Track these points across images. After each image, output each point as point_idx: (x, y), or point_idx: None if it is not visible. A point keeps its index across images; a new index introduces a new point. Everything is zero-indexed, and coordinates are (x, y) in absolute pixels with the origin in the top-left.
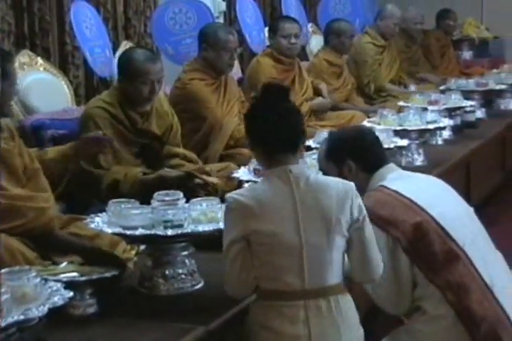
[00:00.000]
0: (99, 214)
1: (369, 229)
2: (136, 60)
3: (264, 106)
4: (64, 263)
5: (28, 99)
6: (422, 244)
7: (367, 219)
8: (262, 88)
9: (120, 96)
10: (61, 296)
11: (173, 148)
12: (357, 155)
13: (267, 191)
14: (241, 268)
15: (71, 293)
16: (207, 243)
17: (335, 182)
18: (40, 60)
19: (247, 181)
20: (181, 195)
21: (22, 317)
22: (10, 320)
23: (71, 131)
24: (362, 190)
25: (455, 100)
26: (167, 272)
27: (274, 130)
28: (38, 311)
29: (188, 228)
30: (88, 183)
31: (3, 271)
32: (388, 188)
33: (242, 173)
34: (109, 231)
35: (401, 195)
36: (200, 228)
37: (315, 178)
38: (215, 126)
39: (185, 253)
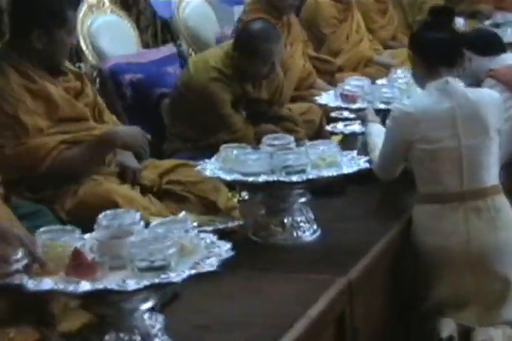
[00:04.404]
0: (207, 161)
1: None
2: (258, 38)
3: (434, 26)
4: (182, 213)
5: (98, 42)
6: None
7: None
8: (430, 10)
9: (235, 68)
10: (222, 248)
11: (279, 109)
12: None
13: (427, 100)
14: (398, 160)
15: (229, 245)
16: (322, 189)
17: (487, 93)
18: (106, 2)
19: (336, 108)
20: (292, 138)
21: (193, 271)
22: (183, 274)
23: (147, 75)
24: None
25: None
26: (285, 220)
27: (440, 46)
28: (208, 265)
29: (312, 173)
30: None
31: (155, 222)
32: None
33: (328, 99)
34: (228, 178)
35: None
36: (324, 173)
37: (469, 89)
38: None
39: (303, 200)
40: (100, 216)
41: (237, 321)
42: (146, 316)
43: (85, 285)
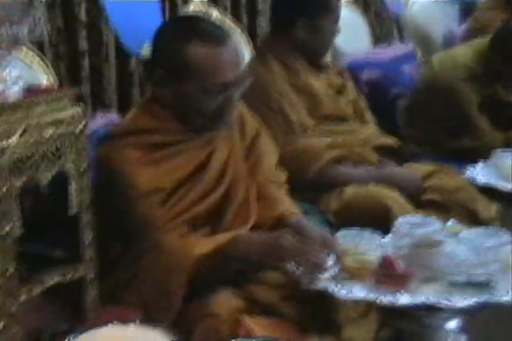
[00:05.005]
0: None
1: None
2: None
3: None
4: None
5: None
6: None
7: None
8: None
9: (487, 67)
10: None
11: None
12: None
13: None
14: None
15: None
16: None
17: None
18: None
19: None
20: None
21: None
22: None
23: (385, 74)
24: None
25: None
26: None
27: None
28: None
29: None
30: None
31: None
32: None
33: None
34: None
35: None
36: None
37: None
38: None
39: None
40: (398, 222)
41: None
42: (449, 336)
43: (404, 298)
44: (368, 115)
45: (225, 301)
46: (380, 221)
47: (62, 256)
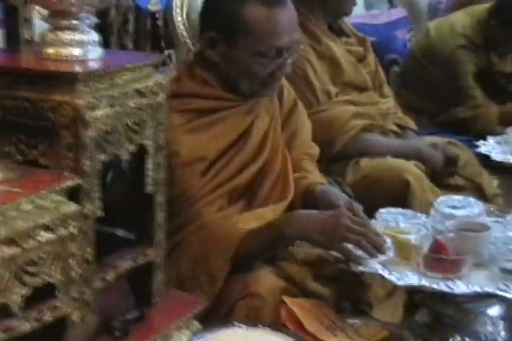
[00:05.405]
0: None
1: None
2: None
3: None
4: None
5: None
6: None
7: None
8: None
9: (486, 36)
10: None
11: None
12: None
13: None
14: None
15: None
16: None
17: None
18: None
19: None
20: None
21: None
22: None
23: (379, 39)
24: None
25: None
26: None
27: None
28: None
29: None
30: None
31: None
32: None
33: None
34: None
35: None
36: None
37: None
38: None
39: None
40: (436, 202)
41: None
42: (488, 321)
43: (461, 287)
44: (387, 89)
45: (266, 280)
46: (399, 195)
47: (128, 237)
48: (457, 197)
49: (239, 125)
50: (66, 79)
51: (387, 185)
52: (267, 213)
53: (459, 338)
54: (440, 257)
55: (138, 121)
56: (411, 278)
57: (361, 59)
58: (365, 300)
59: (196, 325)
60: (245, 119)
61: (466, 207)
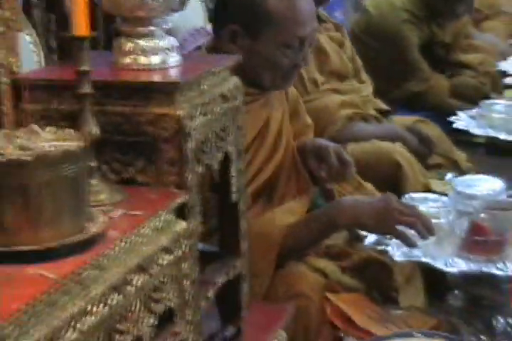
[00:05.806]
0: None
1: None
2: None
3: None
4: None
5: None
6: None
7: None
8: None
9: (427, 8)
10: None
11: (459, 55)
12: None
13: None
14: None
15: None
16: None
17: None
18: None
19: None
20: None
21: None
22: None
23: None
24: None
25: None
26: None
27: None
28: None
29: None
30: None
31: None
32: None
33: None
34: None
35: None
36: None
37: None
38: None
39: None
40: (454, 183)
41: None
42: None
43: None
44: (364, 75)
45: (307, 278)
46: (390, 177)
47: (213, 250)
48: (473, 177)
49: (259, 119)
50: (164, 90)
51: (378, 169)
52: (297, 206)
53: (501, 320)
54: (483, 239)
55: (223, 127)
56: (459, 264)
57: (341, 45)
58: (392, 286)
59: (282, 334)
60: (263, 113)
61: (482, 186)
